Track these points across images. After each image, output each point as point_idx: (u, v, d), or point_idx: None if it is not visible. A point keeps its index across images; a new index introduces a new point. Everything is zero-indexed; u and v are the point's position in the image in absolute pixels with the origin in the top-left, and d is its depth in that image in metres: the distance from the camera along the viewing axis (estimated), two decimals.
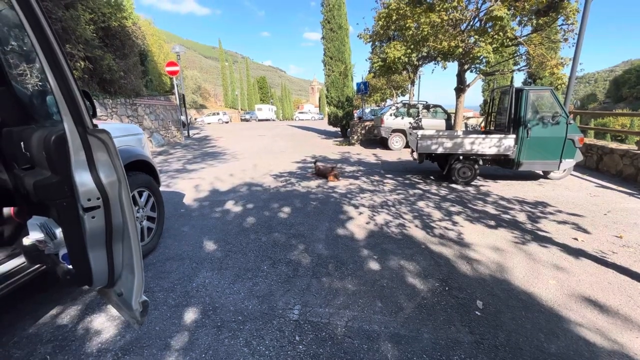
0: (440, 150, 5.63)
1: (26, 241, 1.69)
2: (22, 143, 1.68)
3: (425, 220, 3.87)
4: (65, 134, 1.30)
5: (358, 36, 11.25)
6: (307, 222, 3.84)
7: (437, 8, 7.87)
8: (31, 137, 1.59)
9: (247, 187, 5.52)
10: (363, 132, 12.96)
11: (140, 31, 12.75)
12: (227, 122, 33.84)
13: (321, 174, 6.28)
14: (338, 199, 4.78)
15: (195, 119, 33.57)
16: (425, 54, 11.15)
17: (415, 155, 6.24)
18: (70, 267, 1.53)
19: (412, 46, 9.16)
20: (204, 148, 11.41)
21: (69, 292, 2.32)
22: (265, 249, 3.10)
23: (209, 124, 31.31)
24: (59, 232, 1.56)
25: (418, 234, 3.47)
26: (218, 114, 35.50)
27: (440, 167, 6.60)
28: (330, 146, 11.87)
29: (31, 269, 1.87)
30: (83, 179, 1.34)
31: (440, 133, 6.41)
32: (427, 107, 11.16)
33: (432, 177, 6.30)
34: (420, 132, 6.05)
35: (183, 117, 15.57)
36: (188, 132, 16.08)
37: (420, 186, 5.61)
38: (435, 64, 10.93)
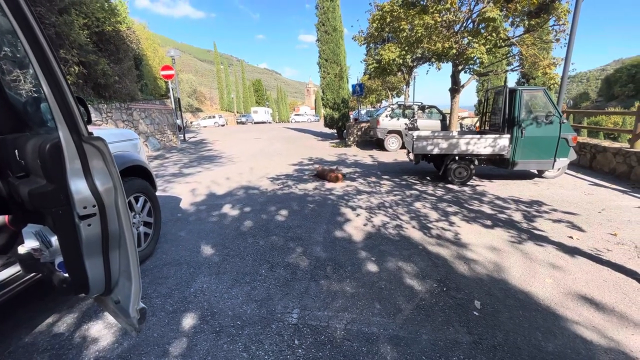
0: (436, 151, 5.66)
1: (21, 249, 1.68)
2: (16, 151, 1.66)
3: (422, 221, 3.89)
4: (60, 142, 1.29)
5: (353, 38, 11.34)
6: (305, 224, 3.84)
7: (431, 10, 7.94)
8: (25, 145, 1.58)
9: (244, 191, 5.51)
10: (359, 133, 12.99)
11: (134, 35, 12.70)
12: (223, 125, 33.73)
13: (321, 176, 6.31)
14: (335, 201, 4.79)
15: (191, 122, 33.44)
16: (419, 55, 11.23)
17: (411, 156, 6.27)
18: (67, 275, 1.52)
19: (406, 48, 9.23)
20: (200, 151, 11.37)
21: (65, 300, 2.30)
22: (263, 253, 3.10)
23: (205, 127, 31.18)
24: (54, 240, 1.55)
25: (415, 234, 3.49)
26: (214, 117, 35.36)
27: (436, 167, 6.64)
28: (327, 148, 11.89)
29: (27, 278, 1.85)
30: (78, 186, 1.34)
31: (436, 134, 6.46)
32: (422, 108, 11.23)
33: (428, 178, 6.34)
34: (415, 133, 6.08)
35: (179, 121, 15.53)
36: (184, 136, 16.02)
37: (416, 187, 5.64)
38: (429, 65, 11.01)
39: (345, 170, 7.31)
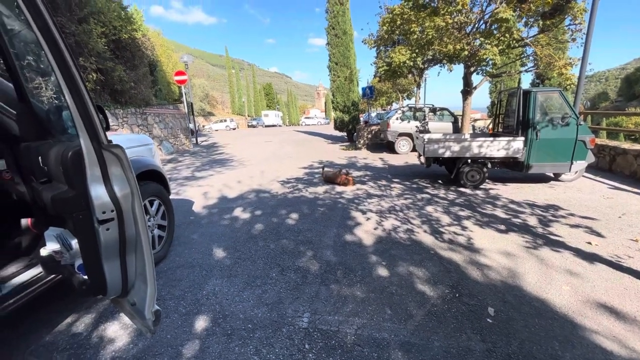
0: (447, 154, 5.59)
1: (43, 252, 1.75)
2: (39, 158, 1.74)
3: (433, 225, 3.84)
4: (81, 150, 1.35)
5: (363, 41, 11.33)
6: (315, 228, 3.85)
7: (442, 12, 7.86)
8: (48, 152, 1.65)
9: (255, 194, 5.57)
10: (369, 136, 12.95)
11: (149, 42, 13.08)
12: (234, 129, 34.23)
13: (330, 180, 6.29)
14: (345, 205, 4.78)
15: (203, 126, 34.04)
16: (430, 57, 11.14)
17: (422, 159, 6.21)
18: (86, 277, 1.57)
19: (417, 50, 9.15)
20: (212, 155, 11.56)
21: (84, 302, 2.37)
22: (273, 256, 3.12)
23: (216, 130, 31.73)
24: (74, 243, 1.61)
25: (427, 239, 3.45)
26: (225, 120, 35.95)
27: (448, 170, 6.55)
28: (337, 151, 11.89)
29: (48, 279, 1.93)
30: (98, 192, 1.39)
31: (448, 136, 6.38)
32: (433, 110, 11.11)
33: (440, 181, 6.26)
34: (427, 136, 6.02)
35: (191, 125, 15.82)
36: (196, 140, 16.32)
37: (428, 190, 5.57)
38: (440, 66, 10.86)
39: (355, 173, 7.29)
